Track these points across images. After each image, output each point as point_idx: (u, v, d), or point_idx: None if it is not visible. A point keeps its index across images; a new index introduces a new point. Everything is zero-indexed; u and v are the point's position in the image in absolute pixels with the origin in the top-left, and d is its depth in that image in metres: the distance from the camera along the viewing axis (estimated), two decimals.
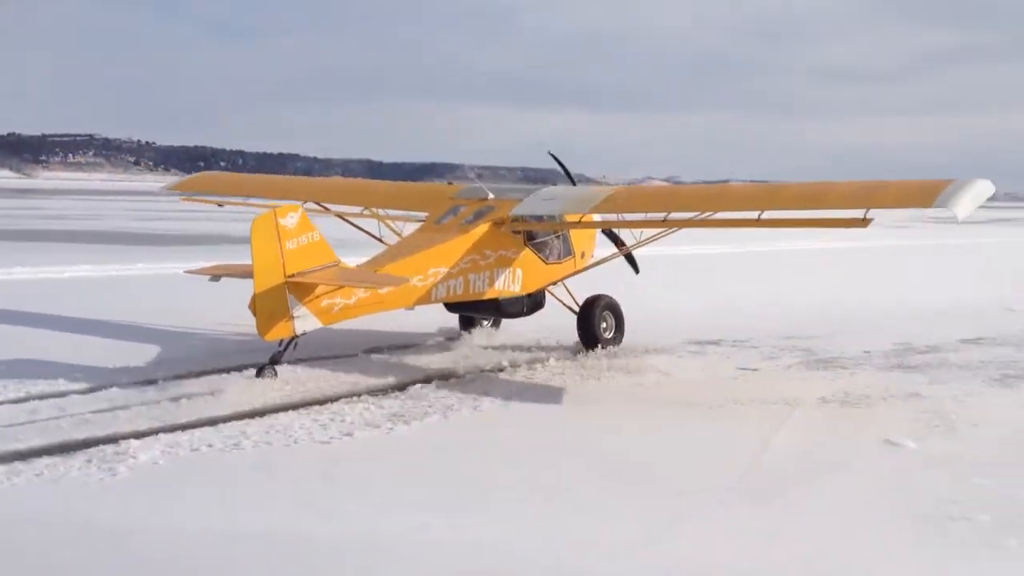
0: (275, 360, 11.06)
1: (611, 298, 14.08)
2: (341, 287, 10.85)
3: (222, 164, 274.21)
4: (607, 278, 15.19)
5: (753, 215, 12.11)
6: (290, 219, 10.62)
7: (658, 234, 13.86)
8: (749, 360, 13.00)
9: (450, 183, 16.17)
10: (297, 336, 10.78)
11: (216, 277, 11.77)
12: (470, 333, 14.35)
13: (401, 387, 10.79)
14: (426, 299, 12.14)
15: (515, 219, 13.17)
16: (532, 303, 13.86)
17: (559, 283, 14.22)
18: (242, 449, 8.33)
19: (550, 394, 10.73)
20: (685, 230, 13.47)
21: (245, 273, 10.87)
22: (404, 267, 11.69)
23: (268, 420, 9.27)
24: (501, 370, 11.92)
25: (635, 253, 14.81)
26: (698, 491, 7.36)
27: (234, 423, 9.11)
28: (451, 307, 13.43)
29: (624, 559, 6.00)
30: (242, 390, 10.29)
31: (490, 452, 8.43)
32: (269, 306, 10.36)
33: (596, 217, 13.89)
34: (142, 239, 36.69)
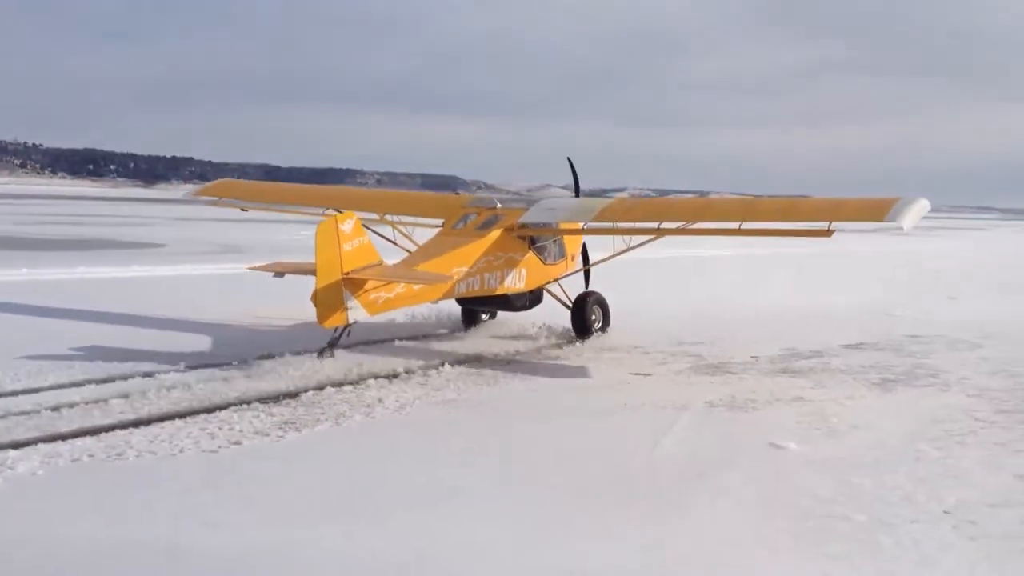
0: (333, 344, 12.71)
1: (599, 294, 16.25)
2: (388, 283, 12.51)
3: (112, 167, 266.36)
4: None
5: (734, 225, 14.42)
6: (347, 225, 12.28)
7: (648, 240, 15.41)
8: (641, 365, 13.21)
9: (457, 193, 18.69)
10: (349, 324, 12.34)
11: (280, 274, 14.06)
12: (476, 323, 16.48)
13: (293, 394, 10.63)
14: (451, 294, 13.93)
15: (522, 226, 15.02)
16: (533, 298, 15.86)
17: (554, 282, 16.17)
18: (125, 459, 8.10)
19: (444, 400, 10.71)
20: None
21: (307, 270, 12.63)
22: (433, 267, 13.49)
23: (153, 429, 9.03)
24: (396, 376, 11.85)
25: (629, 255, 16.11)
26: (588, 494, 7.45)
27: (117, 432, 8.86)
28: (464, 301, 15.45)
29: (514, 562, 6.04)
30: (129, 400, 10.02)
31: (383, 459, 8.38)
32: (328, 298, 11.90)
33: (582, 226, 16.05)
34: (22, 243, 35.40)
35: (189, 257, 30.30)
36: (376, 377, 11.70)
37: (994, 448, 9.09)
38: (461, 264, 13.95)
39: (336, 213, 15.07)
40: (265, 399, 10.36)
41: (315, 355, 12.42)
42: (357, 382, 11.42)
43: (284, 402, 10.31)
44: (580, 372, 12.64)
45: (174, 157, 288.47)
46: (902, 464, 8.43)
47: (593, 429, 9.62)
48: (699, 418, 10.12)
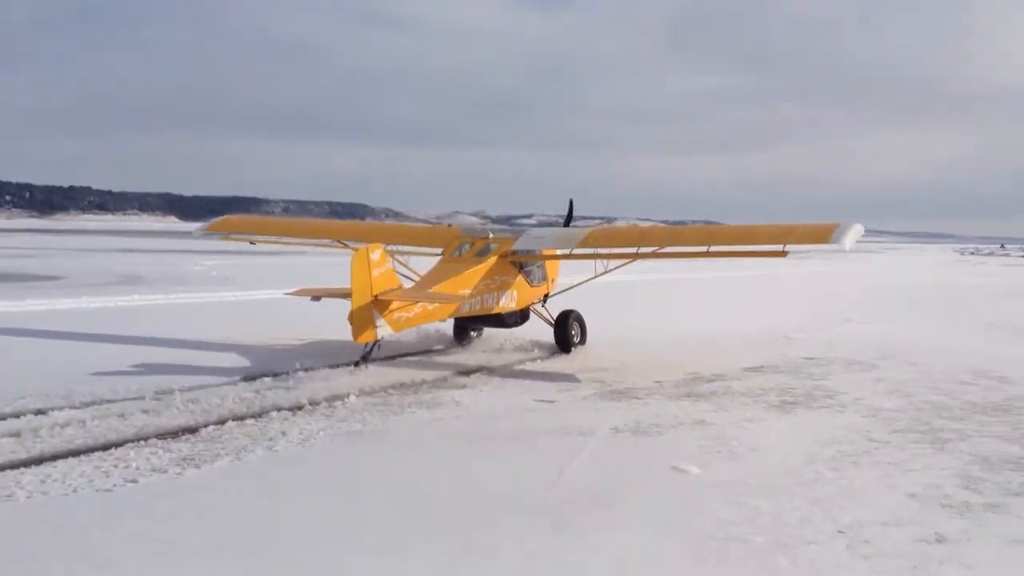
0: (366, 357, 14.87)
1: (578, 312, 18.30)
2: (409, 304, 14.38)
3: (8, 198, 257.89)
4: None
5: (702, 248, 16.62)
6: (375, 254, 14.14)
7: (625, 263, 17.95)
8: (547, 392, 13.27)
9: (450, 226, 20.97)
10: (378, 340, 14.41)
11: (317, 297, 15.63)
12: (467, 340, 18.30)
13: (192, 429, 10.39)
14: (457, 313, 15.95)
15: (514, 252, 17.15)
16: (522, 316, 18.05)
17: (538, 302, 18.37)
18: (15, 500, 7.80)
19: (348, 432, 10.58)
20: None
21: (338, 294, 14.79)
22: (443, 289, 15.45)
23: (45, 469, 8.72)
24: (300, 408, 11.68)
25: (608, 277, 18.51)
26: (491, 523, 7.42)
27: (8, 472, 8.54)
28: (463, 320, 17.15)
29: None
30: (20, 439, 9.69)
31: (283, 493, 8.21)
32: (361, 318, 13.70)
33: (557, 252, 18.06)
34: None
35: (88, 289, 29.40)
36: (279, 409, 11.51)
37: (888, 468, 9.35)
38: (466, 287, 16.00)
39: (338, 244, 19.23)
40: (163, 435, 10.11)
41: (351, 367, 14.58)
42: (260, 415, 11.22)
43: (183, 438, 10.06)
44: (485, 400, 12.63)
45: (72, 187, 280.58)
46: (799, 485, 8.62)
47: (496, 458, 9.60)
48: (603, 444, 10.20)
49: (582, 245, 17.31)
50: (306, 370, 14.25)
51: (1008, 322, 25.63)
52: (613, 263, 18.02)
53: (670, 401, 12.75)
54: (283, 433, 10.34)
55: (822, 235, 15.22)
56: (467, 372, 14.81)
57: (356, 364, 14.69)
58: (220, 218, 22.18)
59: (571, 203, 20.36)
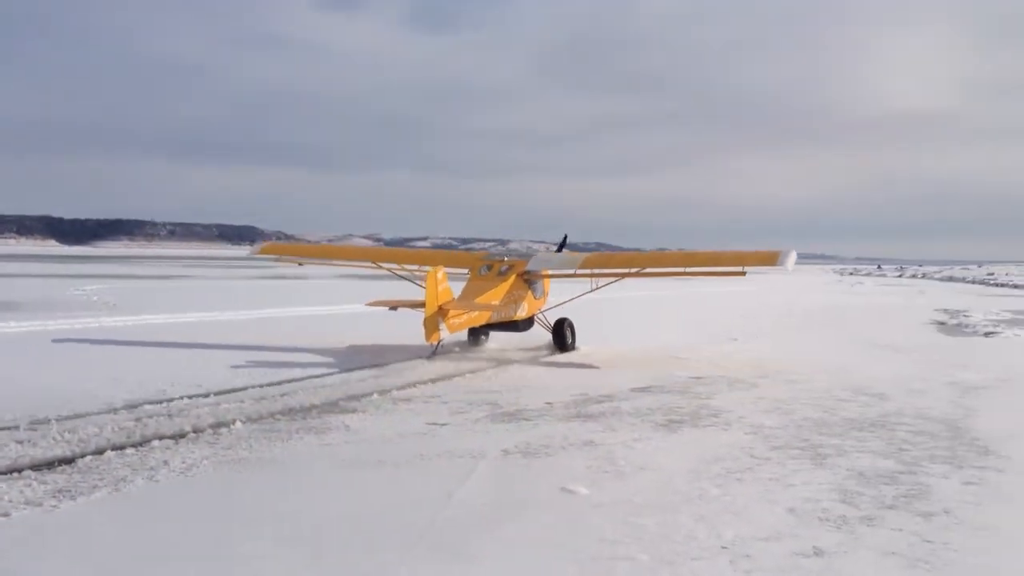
0: (433, 353, 19.37)
1: (570, 320, 22.71)
2: (460, 312, 19.00)
3: None
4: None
5: (679, 269, 21.80)
6: (440, 274, 18.68)
7: (613, 280, 22.52)
8: (438, 415, 13.23)
9: (470, 251, 26.94)
10: (442, 340, 19.02)
11: (394, 307, 20.83)
12: (479, 342, 22.42)
13: (69, 460, 10.02)
14: (489, 320, 20.51)
15: (526, 272, 21.90)
16: (529, 323, 22.48)
17: (539, 312, 22.87)
18: None
19: (234, 460, 10.33)
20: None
21: (412, 305, 19.75)
22: (481, 301, 20.15)
23: None
24: (183, 436, 11.37)
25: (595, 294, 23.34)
26: (379, 549, 7.34)
27: None
28: (486, 325, 21.21)
29: None
30: None
31: (164, 527, 7.96)
32: (431, 323, 18.05)
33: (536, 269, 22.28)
34: None
35: None
36: (162, 438, 11.19)
37: (769, 483, 9.60)
38: (495, 299, 20.69)
39: (371, 265, 24.45)
40: (38, 466, 9.72)
41: (426, 359, 19.10)
42: (140, 444, 10.88)
43: (59, 469, 9.69)
44: (375, 425, 12.50)
45: None
46: (685, 503, 8.78)
47: (386, 482, 9.51)
48: (494, 466, 10.20)
49: (582, 267, 22.01)
50: (190, 397, 13.93)
51: (884, 340, 26.67)
52: (602, 281, 22.44)
53: (560, 422, 12.85)
54: (165, 462, 10.05)
55: (771, 259, 20.10)
56: (358, 396, 14.65)
57: (429, 358, 19.17)
58: (264, 243, 27.48)
59: (565, 236, 25.37)
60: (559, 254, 23.69)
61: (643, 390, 15.91)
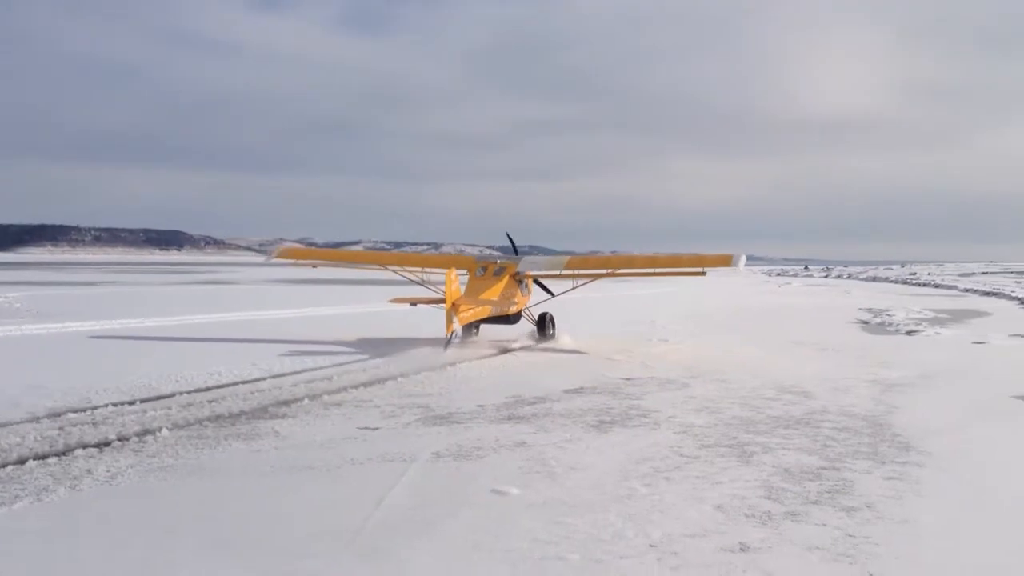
0: (449, 343, 21.82)
1: (551, 313, 26.70)
2: (469, 308, 22.35)
3: None
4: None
5: (648, 270, 26.00)
6: (453, 275, 22.01)
7: (590, 281, 26.55)
8: (369, 419, 13.16)
9: (463, 254, 29.83)
10: (456, 330, 21.97)
11: (414, 303, 24.20)
12: (471, 335, 24.93)
13: None
14: (489, 313, 23.68)
15: (516, 273, 25.18)
16: (518, 317, 25.81)
17: (526, 308, 26.35)
18: None
19: (160, 467, 10.16)
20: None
21: (431, 301, 23.45)
22: (484, 297, 23.69)
23: None
24: (108, 444, 11.16)
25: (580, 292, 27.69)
26: (309, 555, 7.29)
27: None
28: (476, 321, 23.95)
29: None
30: None
31: (87, 537, 7.81)
32: (448, 317, 21.20)
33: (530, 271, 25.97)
34: None
35: None
36: (85, 446, 10.97)
37: (696, 482, 9.74)
38: (494, 296, 24.12)
39: (380, 268, 28.46)
40: None
41: (443, 348, 21.46)
42: (63, 453, 10.65)
43: None
44: (306, 430, 12.38)
45: None
46: (614, 502, 8.87)
47: (316, 488, 9.44)
48: (425, 470, 10.19)
49: (566, 268, 25.53)
50: (116, 404, 13.69)
51: (810, 339, 27.19)
52: (582, 280, 26.36)
53: (492, 424, 12.87)
54: (89, 471, 9.85)
55: (726, 261, 23.72)
56: (288, 402, 14.50)
57: (445, 347, 21.61)
58: (281, 247, 30.94)
59: (509, 235, 28.12)
60: (546, 257, 27.42)
61: (575, 391, 16.01)
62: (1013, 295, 55.28)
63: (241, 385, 16.08)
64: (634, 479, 9.77)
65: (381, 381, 16.88)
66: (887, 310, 41.53)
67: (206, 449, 11.10)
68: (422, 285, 25.99)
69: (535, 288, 27.53)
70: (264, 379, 16.88)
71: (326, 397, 14.98)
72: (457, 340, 22.68)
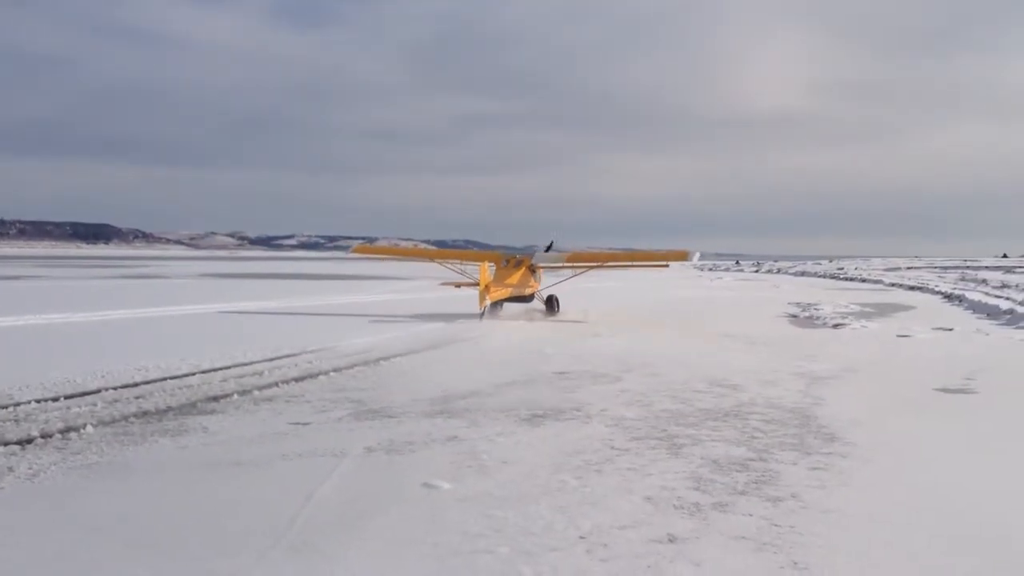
0: (483, 315, 29.72)
1: (556, 295, 34.59)
2: (496, 289, 30.89)
3: None
4: None
5: (627, 264, 40.39)
6: (487, 265, 31.11)
7: (582, 272, 36.40)
8: (300, 414, 13.04)
9: (493, 251, 39.70)
10: (485, 306, 29.92)
11: (459, 285, 34.18)
12: (498, 311, 32.19)
13: None
14: (510, 294, 32.15)
15: (531, 265, 33.59)
16: (531, 298, 33.85)
17: (537, 290, 34.31)
18: None
19: (85, 465, 9.96)
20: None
21: (471, 284, 32.27)
22: (508, 282, 32.17)
23: None
24: (30, 441, 10.89)
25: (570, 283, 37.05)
26: (236, 552, 7.20)
27: None
28: (506, 298, 32.34)
29: None
30: None
31: (11, 535, 7.60)
32: (481, 296, 29.63)
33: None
34: None
35: None
36: (7, 443, 10.70)
37: (627, 474, 9.83)
38: (514, 281, 32.61)
39: (430, 262, 40.23)
40: None
41: (479, 318, 29.42)
42: None
43: None
44: (235, 426, 12.23)
45: None
46: (545, 495, 8.91)
47: (246, 484, 9.34)
48: (356, 465, 10.13)
49: (568, 261, 35.02)
50: (39, 401, 13.38)
51: (740, 333, 27.59)
52: (579, 271, 36.43)
53: (424, 418, 12.85)
54: (10, 469, 9.61)
55: (683, 256, 32.88)
56: (217, 397, 14.30)
57: (480, 318, 29.50)
58: (356, 245, 43.00)
59: (552, 241, 35.97)
60: (551, 253, 35.42)
61: (508, 385, 16.05)
62: (936, 290, 56.69)
63: (169, 381, 15.80)
64: (565, 472, 9.83)
65: (313, 376, 16.75)
66: (815, 304, 42.29)
67: (132, 446, 10.91)
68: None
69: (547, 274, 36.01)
70: (193, 374, 16.61)
71: (256, 392, 14.83)
72: (487, 313, 30.40)
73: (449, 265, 36.89)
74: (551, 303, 34.27)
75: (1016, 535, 7.97)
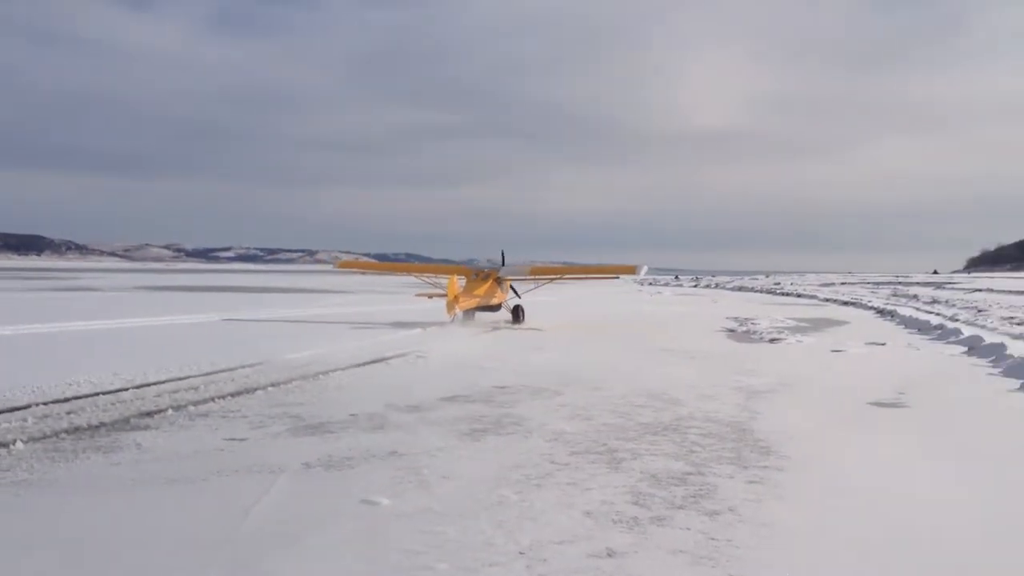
0: (452, 321, 33.90)
1: (522, 305, 38.50)
2: (465, 300, 34.62)
3: None
4: None
5: (584, 276, 47.75)
6: (456, 279, 34.50)
7: (543, 285, 42.26)
8: (236, 430, 12.86)
9: (464, 266, 41.31)
10: (457, 314, 34.13)
11: (431, 297, 37.67)
12: (470, 319, 36.65)
13: None
14: (478, 304, 36.11)
15: (498, 277, 37.35)
16: (499, 307, 37.48)
17: (504, 300, 37.86)
18: None
19: (10, 483, 9.68)
20: None
21: (441, 295, 34.98)
22: (477, 294, 35.89)
23: None
24: None
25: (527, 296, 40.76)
26: (171, 570, 7.08)
27: None
28: (475, 308, 36.33)
29: None
30: None
31: None
32: (449, 306, 32.88)
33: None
34: None
35: None
36: None
37: (567, 488, 9.85)
38: (481, 292, 35.93)
39: (413, 276, 44.60)
40: None
41: (450, 322, 33.65)
42: None
43: None
44: (169, 442, 12.02)
45: None
46: (484, 510, 8.89)
47: (179, 501, 9.17)
48: (294, 480, 10.02)
49: (531, 274, 39.50)
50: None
51: (679, 347, 27.85)
52: (535, 284, 41.29)
53: (364, 433, 12.75)
54: None
55: (632, 271, 38.00)
56: (151, 413, 14.04)
57: (451, 323, 33.61)
58: (343, 259, 57.93)
59: (503, 252, 39.68)
60: (517, 265, 40.22)
61: (448, 400, 16.00)
62: (870, 304, 57.80)
63: (101, 396, 15.48)
64: (505, 487, 9.82)
65: (250, 391, 16.53)
66: (752, 319, 42.84)
67: (63, 462, 10.66)
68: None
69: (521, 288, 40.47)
70: (126, 389, 16.30)
71: (192, 408, 14.60)
72: (458, 321, 34.82)
73: (426, 278, 41.73)
74: (517, 313, 37.92)
75: (948, 546, 8.13)
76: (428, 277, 41.48)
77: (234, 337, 27.99)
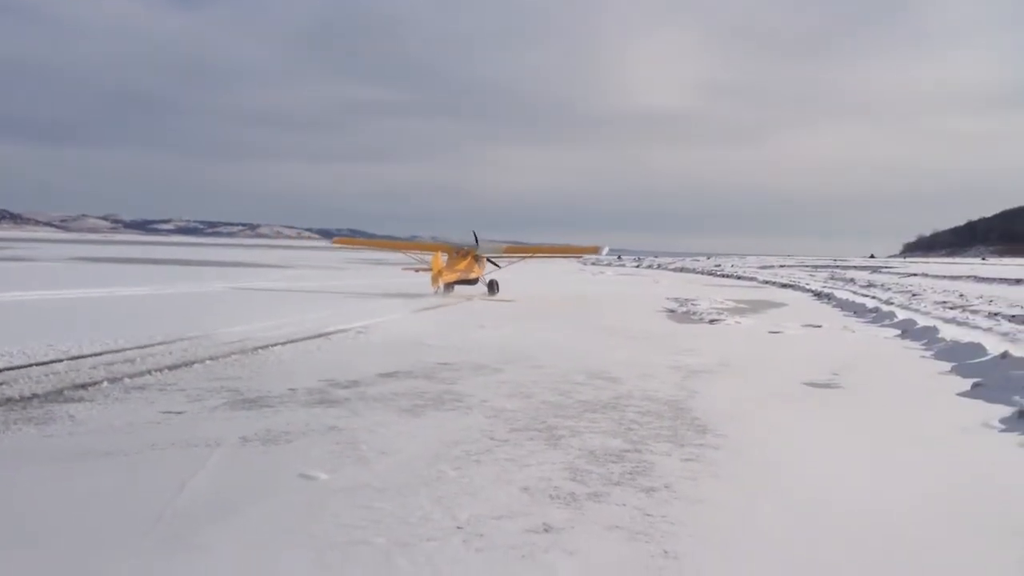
0: (436, 293, 38.61)
1: (497, 279, 43.35)
2: (447, 274, 39.54)
3: None
4: None
5: (555, 256, 64.54)
6: (440, 255, 39.52)
7: (517, 261, 47.04)
8: (173, 403, 12.71)
9: (447, 244, 44.23)
10: (440, 287, 38.75)
11: (417, 271, 42.93)
12: (450, 291, 40.70)
13: None
14: (458, 278, 41.06)
15: (477, 254, 42.93)
16: (476, 281, 42.57)
17: (481, 275, 43.23)
18: None
19: None
20: None
21: (428, 270, 39.23)
22: (459, 268, 41.20)
23: None
24: None
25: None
26: (105, 545, 6.99)
27: None
28: (455, 281, 41.01)
29: None
30: None
31: None
32: (434, 280, 38.11)
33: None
34: None
35: None
36: None
37: (505, 464, 9.90)
38: (461, 267, 41.25)
39: (401, 252, 49.73)
40: None
41: (434, 293, 38.30)
42: None
43: None
44: (104, 415, 11.84)
45: None
46: (423, 485, 8.91)
47: (113, 474, 9.05)
48: (230, 455, 9.94)
49: (504, 252, 44.82)
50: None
51: (620, 326, 28.05)
52: (509, 261, 45.94)
53: (303, 408, 12.69)
54: None
55: (595, 250, 45.08)
56: (86, 385, 13.82)
57: (434, 294, 37.75)
58: (337, 237, 58.34)
59: (475, 233, 43.91)
60: (492, 243, 45.01)
61: (389, 375, 15.96)
62: (807, 287, 58.70)
63: (35, 367, 15.21)
64: (444, 462, 9.85)
65: (188, 364, 16.34)
66: (692, 300, 43.25)
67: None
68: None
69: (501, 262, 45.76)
70: (61, 360, 16.02)
71: (127, 380, 14.39)
72: (441, 292, 38.67)
73: (414, 255, 46.48)
74: (492, 286, 42.60)
75: (879, 521, 8.34)
76: (415, 253, 46.30)
77: (175, 310, 27.58)
